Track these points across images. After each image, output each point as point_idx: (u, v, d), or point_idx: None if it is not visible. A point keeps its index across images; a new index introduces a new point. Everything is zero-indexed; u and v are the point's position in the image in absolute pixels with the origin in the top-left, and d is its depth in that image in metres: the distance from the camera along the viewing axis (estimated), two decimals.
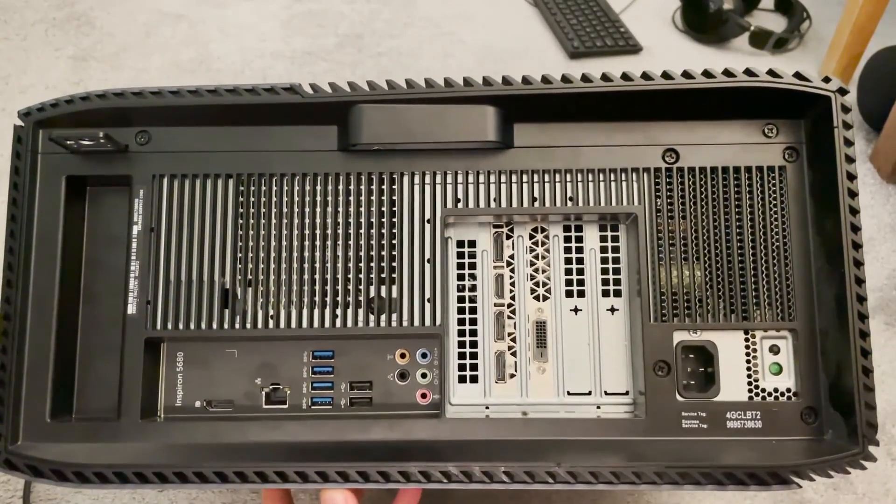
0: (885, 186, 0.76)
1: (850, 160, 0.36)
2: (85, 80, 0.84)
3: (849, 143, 0.36)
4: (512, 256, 0.41)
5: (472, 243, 0.41)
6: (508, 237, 0.41)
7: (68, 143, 0.39)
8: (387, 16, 0.93)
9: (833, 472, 0.34)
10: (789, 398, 0.37)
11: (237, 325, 0.39)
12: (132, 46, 0.88)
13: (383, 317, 0.39)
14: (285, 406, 0.40)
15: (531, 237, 0.41)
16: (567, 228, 0.41)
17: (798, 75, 0.37)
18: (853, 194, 0.35)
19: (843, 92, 0.36)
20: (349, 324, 0.39)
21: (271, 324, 0.39)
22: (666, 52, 0.93)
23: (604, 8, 0.97)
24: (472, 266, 0.41)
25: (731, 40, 0.95)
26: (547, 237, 0.41)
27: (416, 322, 0.39)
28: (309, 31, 0.90)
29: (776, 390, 0.38)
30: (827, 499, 0.55)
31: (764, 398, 0.38)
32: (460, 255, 0.41)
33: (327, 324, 0.39)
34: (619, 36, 0.93)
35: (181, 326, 0.39)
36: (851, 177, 0.36)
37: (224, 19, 0.90)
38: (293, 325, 0.39)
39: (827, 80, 0.37)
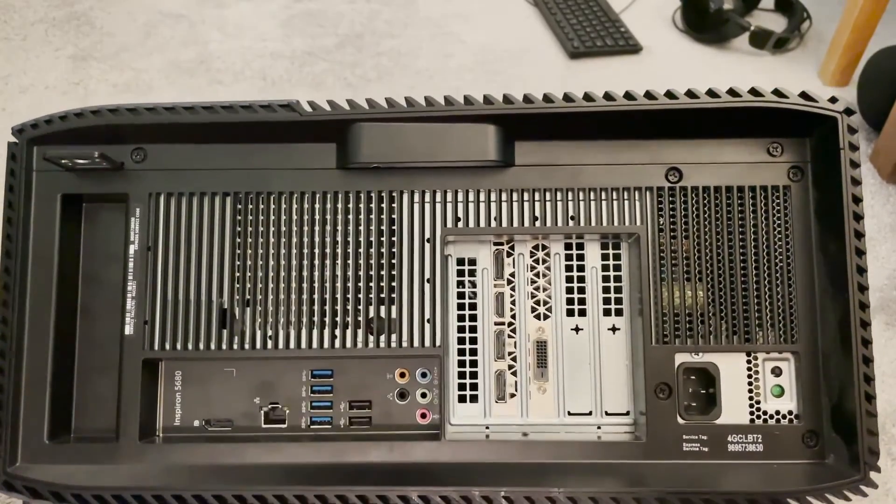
0: (885, 186, 0.75)
1: (856, 182, 0.35)
2: (85, 80, 0.83)
3: (855, 164, 0.35)
4: (513, 274, 0.40)
5: (473, 261, 0.40)
6: (509, 255, 0.40)
7: (63, 161, 0.37)
8: (387, 16, 0.91)
9: (833, 498, 0.33)
10: (791, 421, 0.37)
11: (235, 346, 0.38)
12: (132, 46, 0.86)
13: (383, 337, 0.38)
14: (284, 425, 0.39)
15: (532, 255, 0.40)
16: (568, 246, 0.40)
17: (804, 95, 0.35)
18: (858, 217, 0.34)
19: (849, 112, 0.35)
20: (348, 344, 0.38)
21: (270, 344, 0.38)
22: (666, 52, 0.91)
23: (604, 8, 0.94)
24: (473, 284, 0.40)
25: (731, 40, 0.93)
26: (548, 255, 0.40)
27: (416, 343, 0.38)
28: (309, 30, 0.88)
29: (778, 412, 0.37)
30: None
31: (765, 421, 0.37)
32: (460, 273, 0.40)
33: (326, 344, 0.38)
34: (619, 36, 0.91)
35: (179, 347, 0.38)
36: (857, 200, 0.34)
37: (224, 19, 0.88)
38: (292, 345, 0.38)
39: (833, 100, 0.35)
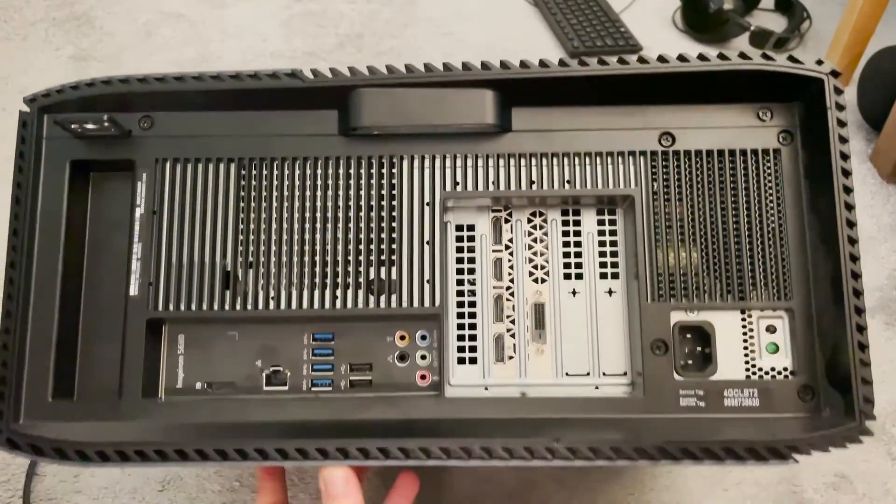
0: (885, 186, 0.77)
1: (844, 140, 0.37)
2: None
3: (842, 123, 0.37)
4: (511, 240, 0.42)
5: (471, 227, 0.42)
6: (507, 221, 0.42)
7: (73, 126, 0.40)
8: (387, 16, 0.95)
9: (830, 447, 0.35)
10: (786, 377, 0.39)
11: (238, 307, 0.40)
12: (132, 46, 0.90)
13: (383, 298, 0.40)
14: (286, 388, 0.41)
15: (529, 221, 0.42)
16: (565, 213, 0.42)
17: (791, 58, 0.38)
18: (847, 173, 0.37)
19: (835, 74, 0.38)
20: (349, 304, 0.40)
21: (272, 304, 0.40)
22: (666, 53, 0.95)
23: (604, 8, 0.98)
24: (472, 250, 0.42)
25: (731, 40, 0.97)
26: (545, 221, 0.42)
27: (416, 303, 0.40)
28: (309, 31, 0.92)
29: (773, 369, 0.39)
30: (827, 499, 0.55)
31: (761, 377, 0.39)
32: (459, 240, 0.42)
33: (327, 305, 0.40)
34: (619, 36, 0.95)
35: (182, 307, 0.40)
36: (845, 156, 0.37)
37: (224, 19, 0.92)
38: (293, 305, 0.40)
39: (819, 62, 0.38)
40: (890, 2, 0.90)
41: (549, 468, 0.56)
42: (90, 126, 0.40)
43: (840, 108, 0.37)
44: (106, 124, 0.39)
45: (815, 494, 0.56)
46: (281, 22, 0.93)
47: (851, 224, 0.36)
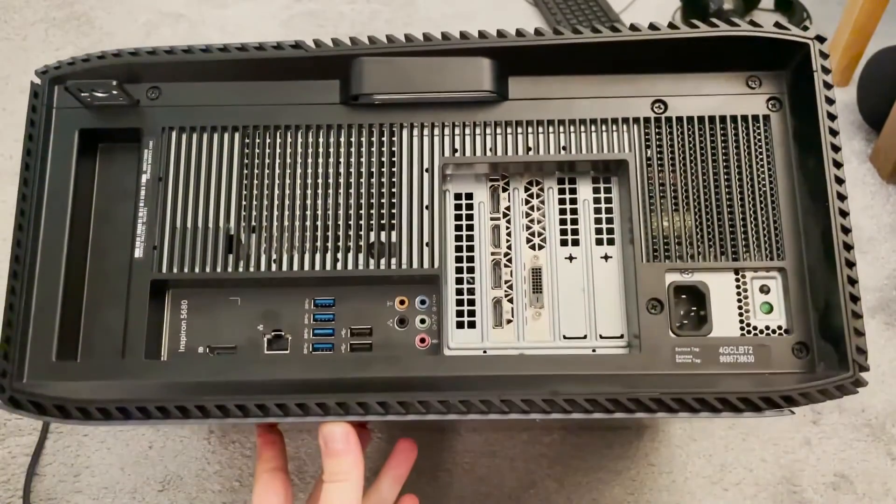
0: (885, 186, 0.79)
1: (831, 101, 0.40)
2: None
3: (828, 85, 0.40)
4: (508, 208, 0.45)
5: (470, 196, 0.45)
6: (504, 190, 0.45)
7: (83, 95, 0.43)
8: (387, 16, 0.99)
9: (824, 397, 0.37)
10: (781, 335, 0.41)
11: (241, 269, 0.42)
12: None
13: (383, 260, 0.42)
14: (287, 352, 0.43)
15: (526, 190, 0.45)
16: (561, 181, 0.45)
17: (778, 24, 0.41)
18: (834, 133, 0.39)
19: (821, 39, 0.41)
20: (350, 266, 0.42)
21: (274, 267, 0.42)
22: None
23: (604, 8, 1.03)
24: (470, 217, 0.45)
25: None
26: (542, 190, 0.45)
27: (415, 264, 0.42)
28: (309, 31, 0.96)
29: (767, 328, 0.41)
30: (827, 499, 0.57)
31: (756, 335, 0.41)
32: (458, 208, 0.45)
33: (328, 267, 0.42)
34: None
35: (186, 270, 0.42)
36: (832, 116, 0.40)
37: (224, 19, 0.96)
38: (295, 267, 0.42)
39: (805, 28, 0.41)
40: (890, 2, 0.93)
41: (546, 422, 0.58)
42: (100, 94, 0.43)
43: (826, 70, 0.40)
44: (115, 92, 0.42)
45: (815, 494, 0.57)
46: (281, 22, 0.97)
47: (840, 181, 0.39)
